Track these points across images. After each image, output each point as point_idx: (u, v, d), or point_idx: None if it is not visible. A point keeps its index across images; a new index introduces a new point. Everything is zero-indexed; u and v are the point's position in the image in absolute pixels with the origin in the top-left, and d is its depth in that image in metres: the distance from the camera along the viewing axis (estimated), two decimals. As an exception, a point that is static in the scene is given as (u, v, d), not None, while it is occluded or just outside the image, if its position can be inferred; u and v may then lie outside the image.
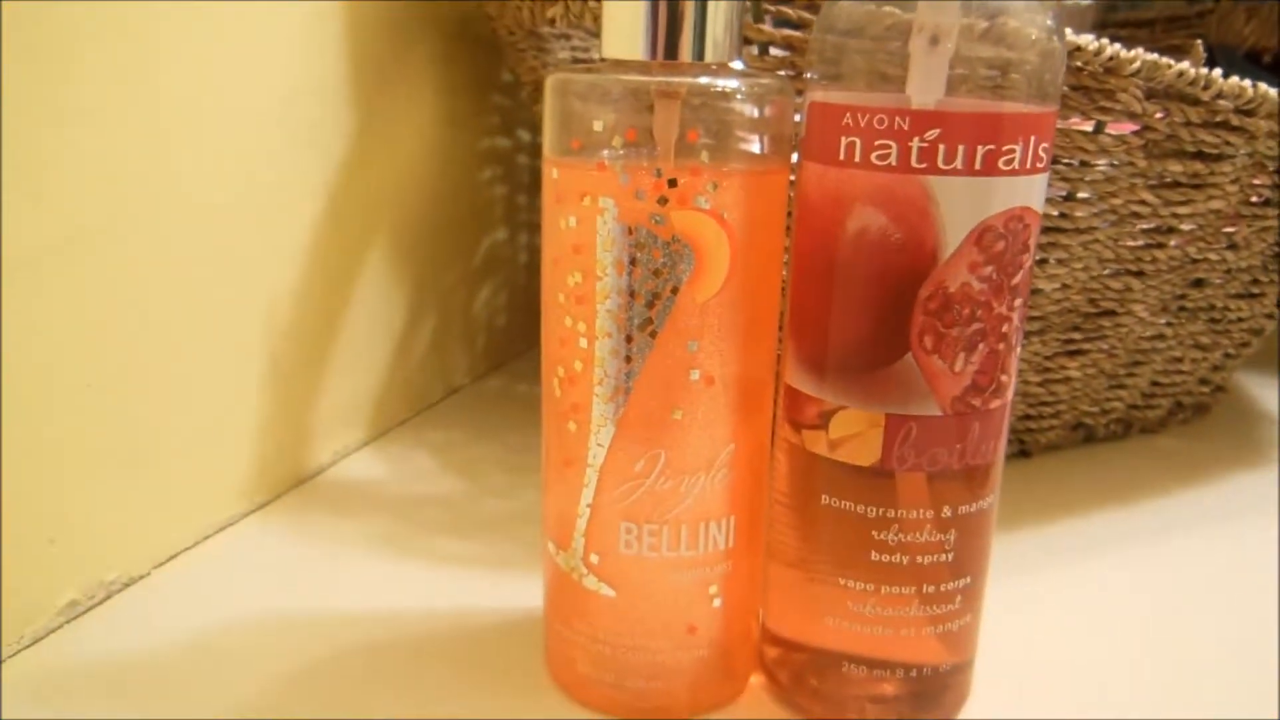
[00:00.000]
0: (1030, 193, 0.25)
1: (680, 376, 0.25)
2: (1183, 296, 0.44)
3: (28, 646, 0.31)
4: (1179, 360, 0.48)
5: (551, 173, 0.25)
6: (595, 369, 0.25)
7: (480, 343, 0.55)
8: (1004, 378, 0.26)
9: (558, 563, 0.28)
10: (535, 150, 0.58)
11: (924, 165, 0.24)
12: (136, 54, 0.31)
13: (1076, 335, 0.43)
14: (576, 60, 0.47)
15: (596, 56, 0.49)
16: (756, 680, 0.30)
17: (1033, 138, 0.24)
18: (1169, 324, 0.45)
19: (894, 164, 0.24)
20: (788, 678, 0.30)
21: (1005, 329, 0.25)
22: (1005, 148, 0.24)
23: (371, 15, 0.42)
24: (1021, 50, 0.24)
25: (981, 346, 0.25)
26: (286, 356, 0.40)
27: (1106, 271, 0.40)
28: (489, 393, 0.53)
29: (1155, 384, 0.49)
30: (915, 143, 0.23)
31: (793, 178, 0.26)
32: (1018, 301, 0.25)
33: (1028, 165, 0.24)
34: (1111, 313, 0.42)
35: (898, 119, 0.23)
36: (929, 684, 0.28)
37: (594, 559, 0.27)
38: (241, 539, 0.38)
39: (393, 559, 0.37)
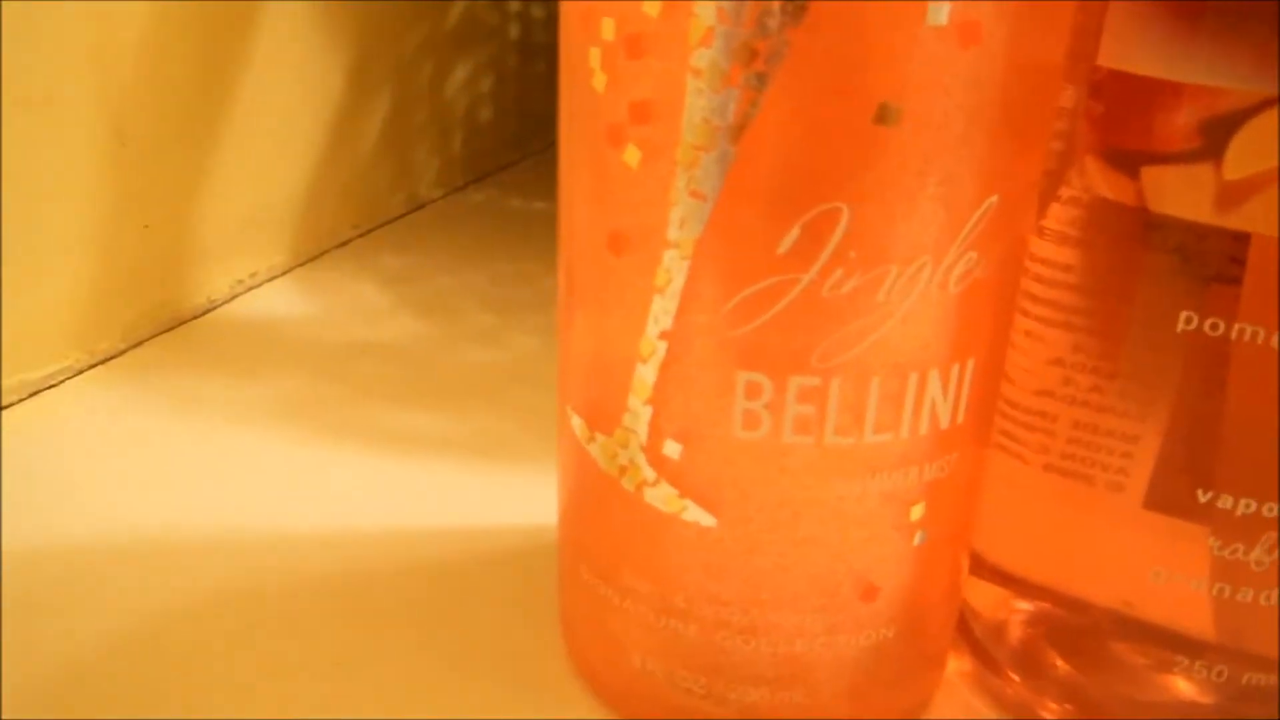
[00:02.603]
0: None
1: (902, 19, 0.10)
2: None
3: None
4: None
5: None
6: (697, 5, 0.10)
7: (455, 144, 0.40)
8: None
9: (593, 456, 0.14)
10: None
11: None
12: None
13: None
14: None
15: None
16: (955, 665, 0.17)
17: None
18: None
19: None
20: (1014, 657, 0.16)
21: None
22: None
23: None
24: None
25: None
26: (142, 134, 0.25)
27: None
28: (470, 208, 0.38)
29: None
30: None
31: None
32: None
33: None
34: None
35: None
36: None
37: (672, 450, 0.13)
38: (66, 406, 0.23)
39: (315, 439, 0.23)
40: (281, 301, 0.29)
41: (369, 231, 0.35)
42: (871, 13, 0.10)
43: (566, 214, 0.13)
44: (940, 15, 0.10)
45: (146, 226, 0.26)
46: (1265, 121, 0.11)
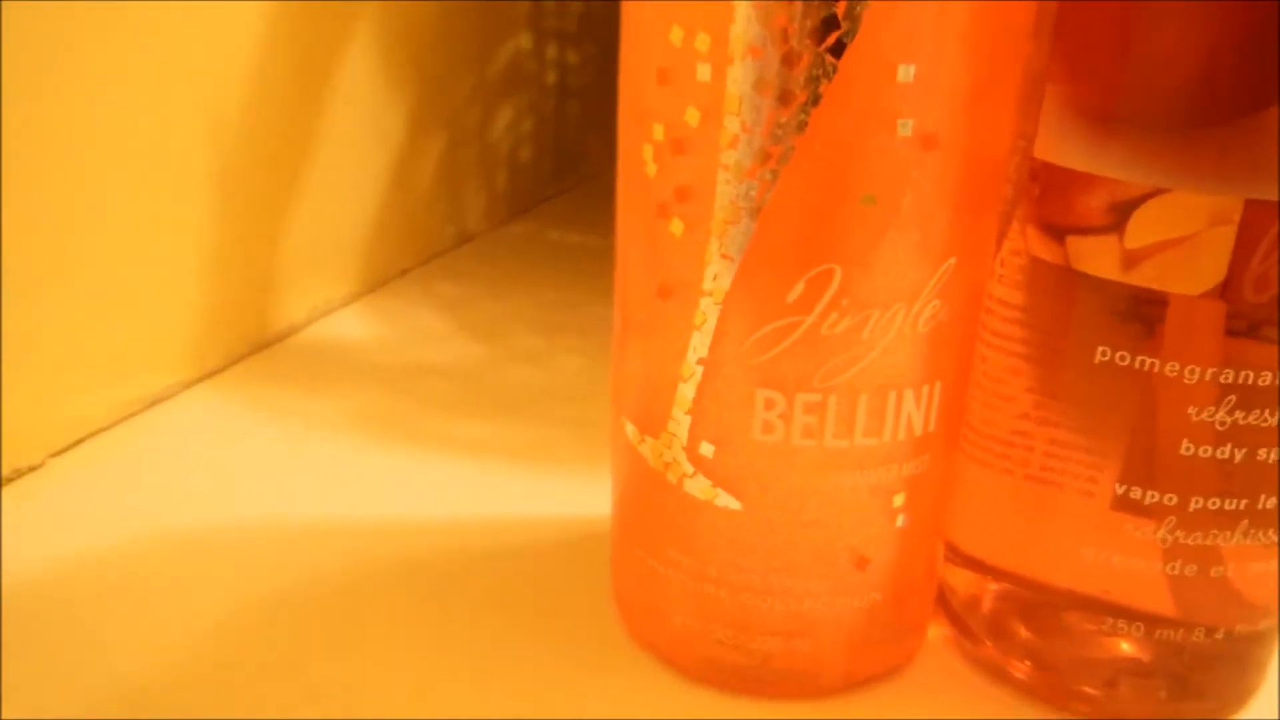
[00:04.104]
0: None
1: (879, 129, 0.14)
2: None
3: None
4: None
5: None
6: (727, 120, 0.14)
7: (500, 181, 0.44)
8: None
9: (643, 455, 0.17)
10: (568, -68, 0.46)
11: None
12: None
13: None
14: None
15: None
16: (936, 632, 0.20)
17: None
18: None
19: None
20: (985, 626, 0.19)
21: None
22: None
23: None
24: None
25: None
26: (243, 184, 0.29)
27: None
28: (513, 240, 0.42)
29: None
30: None
31: None
32: None
33: None
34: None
35: None
36: (1214, 653, 0.18)
37: (706, 450, 0.16)
38: (178, 417, 0.27)
39: (387, 446, 0.26)
40: (352, 326, 0.33)
41: (425, 262, 0.39)
42: (856, 125, 0.14)
43: (623, 268, 0.17)
44: (907, 129, 0.14)
45: (244, 259, 0.30)
46: (1154, 205, 0.15)
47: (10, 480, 0.24)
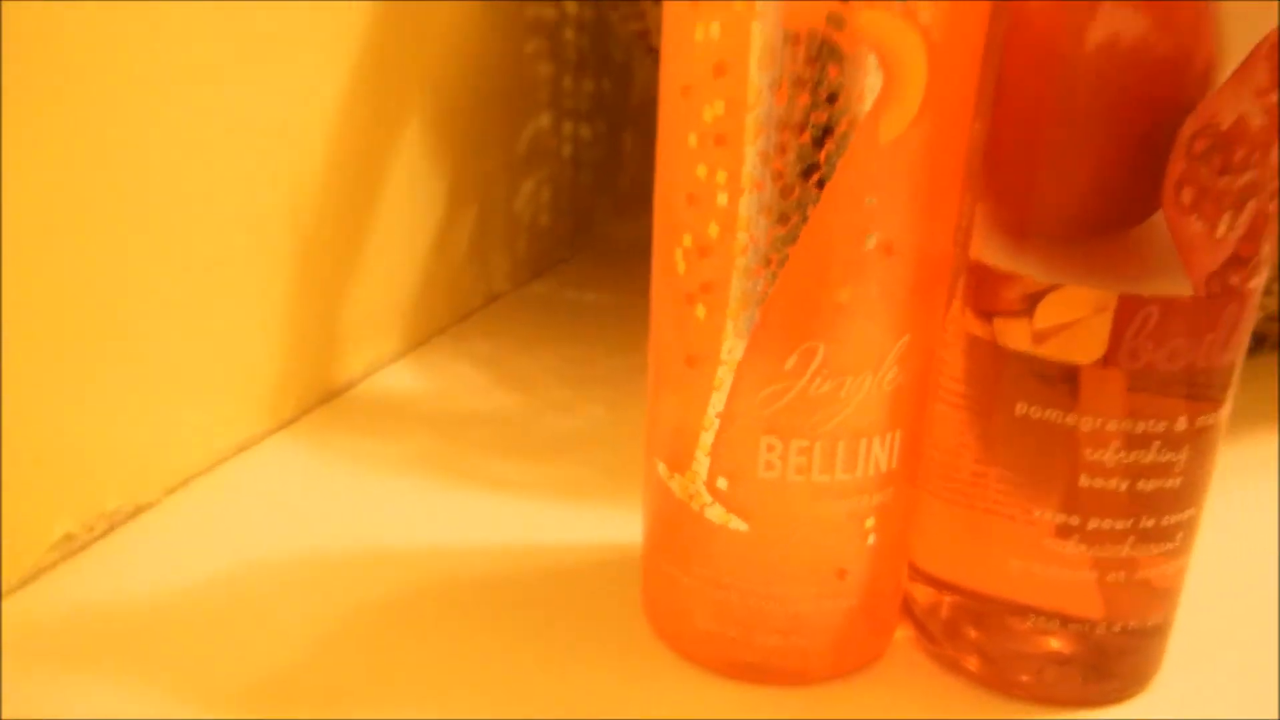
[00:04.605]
0: (1331, -5, 0.18)
1: (851, 243, 0.19)
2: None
3: (15, 590, 0.25)
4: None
5: (682, -32, 0.19)
6: (739, 234, 0.19)
7: (522, 245, 0.49)
8: (1266, 248, 0.20)
9: (671, 489, 0.22)
10: (584, 25, 0.51)
11: (1206, -53, 0.17)
12: None
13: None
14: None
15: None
16: (903, 634, 0.25)
17: (1346, -85, 0.18)
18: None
19: (1162, -53, 0.17)
20: (941, 629, 0.24)
21: (1277, 185, 0.19)
22: (1316, -75, 0.17)
23: None
24: None
25: (1252, 204, 0.19)
26: (313, 255, 0.34)
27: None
28: (535, 299, 0.47)
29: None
30: (1198, -85, 0.17)
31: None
32: (1298, 146, 0.19)
33: (1337, -47, 0.18)
34: None
35: (1174, -118, 0.17)
36: (1120, 645, 0.23)
37: (722, 484, 0.21)
38: (264, 461, 0.32)
39: (441, 485, 0.31)
40: (402, 380, 0.38)
41: (460, 320, 0.44)
42: (834, 239, 0.19)
43: (655, 340, 0.22)
44: (872, 242, 0.19)
45: (313, 322, 0.34)
46: (1054, 297, 0.19)
47: (134, 515, 0.28)
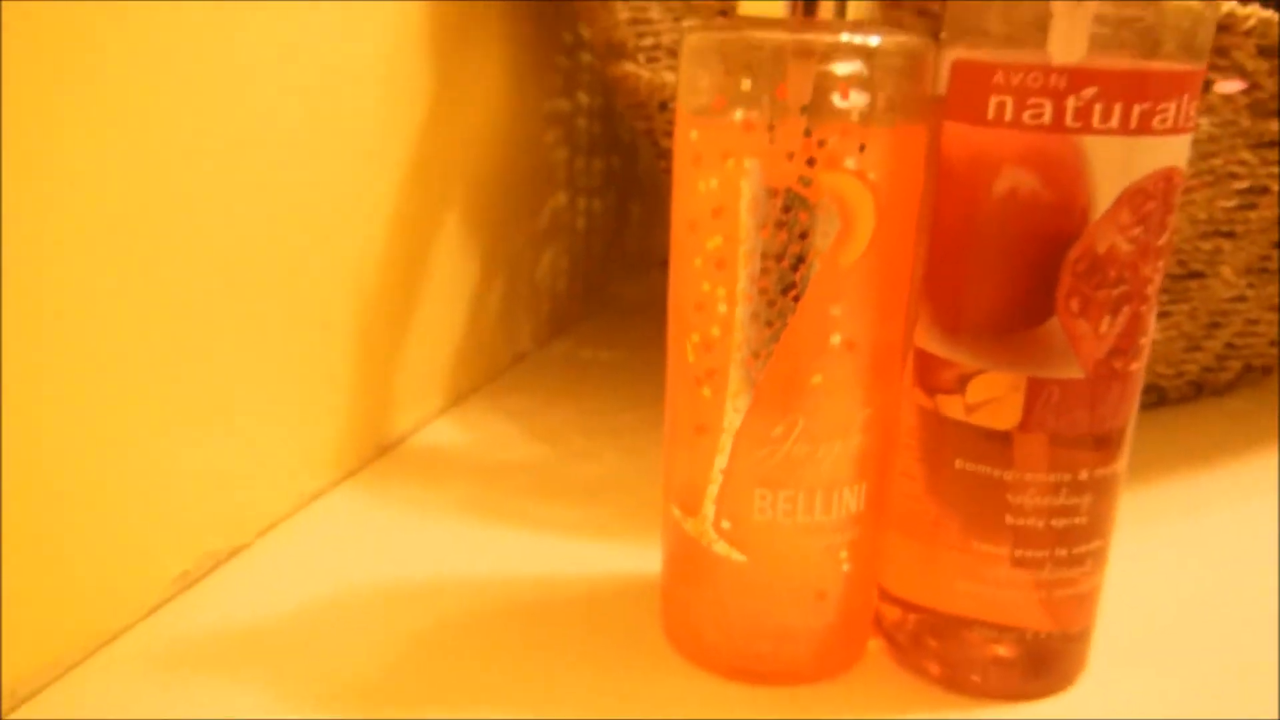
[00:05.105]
0: (1178, 152, 0.24)
1: (821, 341, 0.25)
2: (1267, 257, 0.43)
3: (146, 617, 0.31)
4: (1255, 322, 0.47)
5: (690, 134, 0.25)
6: (735, 334, 0.25)
7: (544, 309, 0.55)
8: (1143, 340, 0.26)
9: (684, 529, 0.28)
10: (594, 112, 0.57)
11: (1079, 124, 0.23)
12: (216, 22, 0.31)
13: (1163, 297, 0.42)
14: (636, 20, 0.46)
15: (654, 14, 0.48)
16: (875, 644, 0.30)
17: (1184, 96, 0.24)
18: (1251, 285, 0.44)
19: (1047, 123, 0.23)
20: (907, 640, 0.30)
21: (1148, 290, 0.25)
22: (1160, 106, 0.23)
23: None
24: (1171, 6, 0.23)
25: (1126, 309, 0.25)
26: (372, 324, 0.40)
27: (1198, 233, 0.40)
28: (555, 358, 0.53)
29: (1230, 346, 0.48)
30: (1071, 101, 0.23)
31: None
32: (1160, 263, 0.25)
33: (1179, 124, 0.24)
34: (1199, 274, 0.42)
35: (1053, 77, 0.23)
36: (1050, 650, 0.28)
37: (725, 525, 0.27)
38: (336, 507, 0.38)
39: (487, 525, 0.37)
40: (445, 434, 0.44)
41: (491, 379, 0.49)
42: (807, 339, 0.25)
43: (670, 412, 0.28)
44: (837, 340, 0.25)
45: (371, 385, 0.40)
46: (980, 379, 0.25)
47: (233, 555, 0.34)
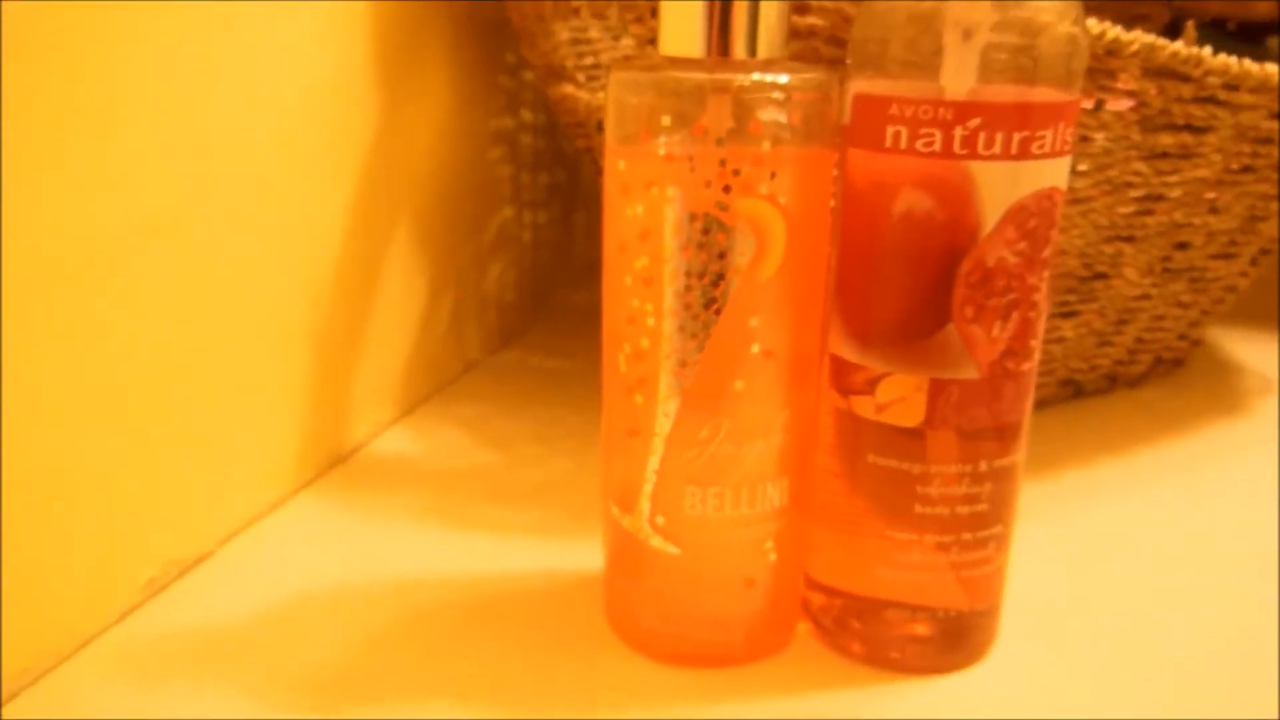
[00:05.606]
0: (1058, 173, 0.27)
1: (742, 350, 0.27)
2: (1168, 258, 0.47)
3: (117, 622, 0.32)
4: (1162, 318, 0.51)
5: (617, 164, 0.27)
6: (663, 345, 0.27)
7: (492, 319, 0.57)
8: (1033, 342, 0.28)
9: (622, 525, 0.30)
10: (538, 130, 0.59)
11: (965, 151, 0.26)
12: (170, 40, 0.32)
13: (1071, 298, 0.45)
14: (576, 40, 0.49)
15: (595, 36, 0.51)
16: (803, 627, 0.33)
17: (1061, 124, 0.26)
18: (1154, 285, 0.48)
19: (938, 150, 0.26)
20: (832, 623, 0.32)
21: (1035, 298, 0.28)
22: (1038, 134, 0.26)
23: (388, 7, 0.43)
24: (1050, 40, 0.26)
25: (1015, 315, 0.27)
26: (326, 337, 0.41)
27: (1101, 238, 0.43)
28: (504, 367, 0.55)
29: (1139, 340, 0.52)
30: (958, 131, 0.26)
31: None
32: (1045, 273, 0.28)
33: (1057, 148, 0.26)
34: (1104, 276, 0.45)
35: (941, 109, 0.26)
36: (962, 626, 0.31)
37: (659, 520, 0.29)
38: (295, 515, 0.39)
39: (442, 529, 0.39)
40: (398, 443, 0.46)
41: (441, 389, 0.51)
42: (729, 349, 0.27)
43: (607, 417, 0.30)
44: (757, 349, 0.27)
45: (326, 396, 0.42)
46: (888, 381, 0.28)
47: (198, 562, 0.36)
